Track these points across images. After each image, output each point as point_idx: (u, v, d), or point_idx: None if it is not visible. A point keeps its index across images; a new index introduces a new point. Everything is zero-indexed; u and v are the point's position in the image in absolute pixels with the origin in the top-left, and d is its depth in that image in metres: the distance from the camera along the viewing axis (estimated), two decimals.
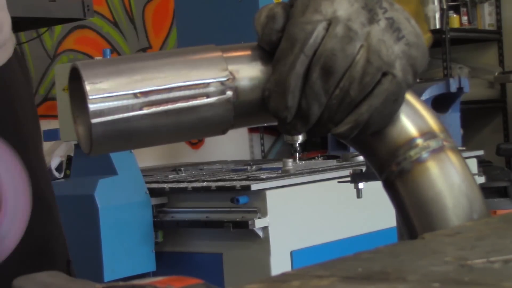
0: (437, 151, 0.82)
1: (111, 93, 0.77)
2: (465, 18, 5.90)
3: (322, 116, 0.80)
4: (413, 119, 0.83)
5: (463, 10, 5.90)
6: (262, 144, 5.34)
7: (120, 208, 3.44)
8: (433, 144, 0.83)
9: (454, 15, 5.81)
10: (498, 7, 6.02)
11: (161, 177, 3.86)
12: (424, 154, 0.82)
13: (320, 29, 0.78)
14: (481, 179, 3.95)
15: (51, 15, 3.55)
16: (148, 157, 4.54)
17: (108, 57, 3.90)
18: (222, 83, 0.80)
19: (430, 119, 0.84)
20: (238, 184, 3.39)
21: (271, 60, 0.81)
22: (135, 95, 0.77)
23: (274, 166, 3.87)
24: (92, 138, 0.77)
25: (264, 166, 4.02)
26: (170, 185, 3.61)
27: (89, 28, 4.71)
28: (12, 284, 0.73)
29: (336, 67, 0.78)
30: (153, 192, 3.57)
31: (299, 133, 0.82)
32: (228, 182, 3.48)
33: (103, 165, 3.44)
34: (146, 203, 3.52)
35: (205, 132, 0.83)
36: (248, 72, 0.81)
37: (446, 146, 0.83)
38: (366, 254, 0.63)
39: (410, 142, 0.83)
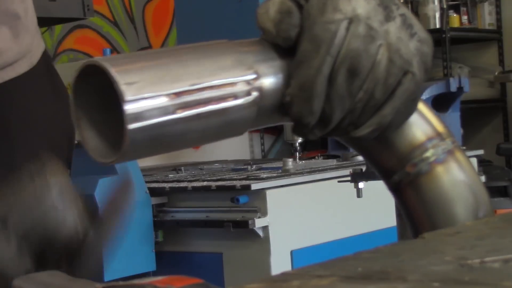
0: (451, 152, 0.83)
1: (146, 94, 0.69)
2: (465, 17, 5.90)
3: (343, 119, 0.77)
4: (424, 121, 0.83)
5: (463, 9, 5.90)
6: (262, 144, 5.34)
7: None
8: (446, 145, 0.83)
9: (454, 15, 5.81)
10: (498, 6, 6.02)
11: (161, 176, 3.86)
12: (441, 156, 0.82)
13: (342, 29, 0.75)
14: (481, 179, 3.94)
15: (51, 14, 3.55)
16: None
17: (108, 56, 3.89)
18: (248, 82, 0.75)
19: (437, 121, 0.84)
20: (238, 183, 3.40)
21: (285, 55, 0.77)
22: (168, 96, 0.70)
23: (274, 166, 3.87)
24: (124, 146, 0.68)
25: (264, 165, 4.02)
26: (170, 184, 3.61)
27: (89, 28, 4.71)
28: (12, 284, 0.72)
29: (361, 68, 0.75)
30: (153, 192, 3.57)
31: (315, 137, 0.78)
32: (228, 182, 3.48)
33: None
34: (146, 203, 3.52)
35: (226, 134, 0.78)
36: (268, 71, 0.76)
37: (456, 147, 0.83)
38: (366, 253, 0.63)
39: (424, 144, 0.82)
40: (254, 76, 0.75)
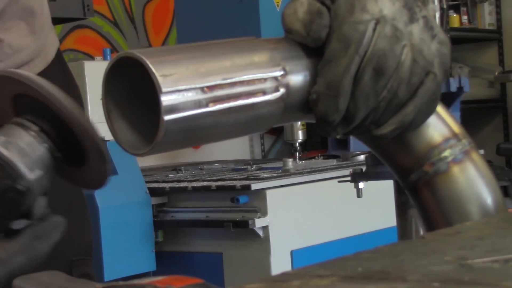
0: (467, 152, 0.84)
1: (181, 87, 0.70)
2: (465, 17, 5.90)
3: (365, 118, 0.79)
4: (441, 122, 0.85)
5: (463, 9, 5.90)
6: (262, 144, 5.34)
7: (120, 208, 3.44)
8: (463, 145, 0.84)
9: (454, 15, 5.81)
10: (498, 6, 6.02)
11: (161, 176, 3.86)
12: (458, 155, 0.84)
13: (370, 29, 0.77)
14: None
15: (51, 14, 3.56)
16: (148, 157, 4.53)
17: (109, 57, 3.90)
18: (276, 78, 0.77)
19: (454, 122, 0.86)
20: (238, 183, 3.40)
21: (312, 54, 0.79)
22: (202, 90, 0.72)
23: (274, 166, 3.87)
24: (159, 137, 0.70)
25: (264, 165, 4.02)
26: (170, 184, 3.61)
27: (89, 28, 4.71)
28: (12, 284, 0.72)
29: (387, 68, 0.77)
30: (153, 192, 3.57)
31: (337, 135, 0.81)
32: (228, 182, 3.48)
33: None
34: (146, 203, 3.52)
35: (253, 129, 0.80)
36: (296, 69, 0.78)
37: (472, 148, 0.85)
38: (366, 253, 0.63)
39: (442, 144, 0.84)
40: (282, 72, 0.77)
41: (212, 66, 0.74)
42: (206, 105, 0.72)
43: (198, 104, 0.71)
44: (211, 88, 0.72)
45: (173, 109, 0.70)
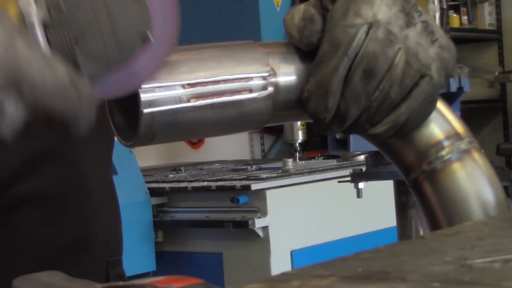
0: (466, 152, 0.85)
1: (161, 83, 0.76)
2: (465, 17, 5.90)
3: (359, 117, 0.82)
4: (442, 121, 0.86)
5: (463, 9, 5.90)
6: (262, 144, 5.34)
7: (120, 208, 3.43)
8: (462, 145, 0.86)
9: (454, 15, 5.81)
10: (498, 6, 6.02)
11: (161, 177, 3.86)
12: (455, 154, 0.85)
13: (361, 33, 0.80)
14: None
15: None
16: (148, 157, 4.53)
17: None
18: (264, 78, 0.81)
19: (456, 122, 0.87)
20: (238, 183, 3.40)
21: (307, 57, 0.83)
22: (183, 86, 0.77)
23: (274, 166, 3.87)
24: (140, 129, 0.76)
25: (264, 165, 4.02)
26: (170, 184, 3.61)
27: None
28: (12, 284, 0.72)
29: (378, 70, 0.80)
30: (153, 192, 3.57)
31: (334, 133, 0.84)
32: (228, 182, 3.48)
33: None
34: (146, 203, 3.52)
35: (242, 127, 0.84)
36: (287, 69, 0.83)
37: (473, 148, 0.86)
38: (366, 254, 0.63)
39: (441, 143, 0.85)
40: (270, 72, 0.81)
41: (197, 65, 0.79)
42: (187, 101, 0.77)
43: (178, 99, 0.77)
44: (193, 85, 0.78)
45: (151, 103, 0.76)
